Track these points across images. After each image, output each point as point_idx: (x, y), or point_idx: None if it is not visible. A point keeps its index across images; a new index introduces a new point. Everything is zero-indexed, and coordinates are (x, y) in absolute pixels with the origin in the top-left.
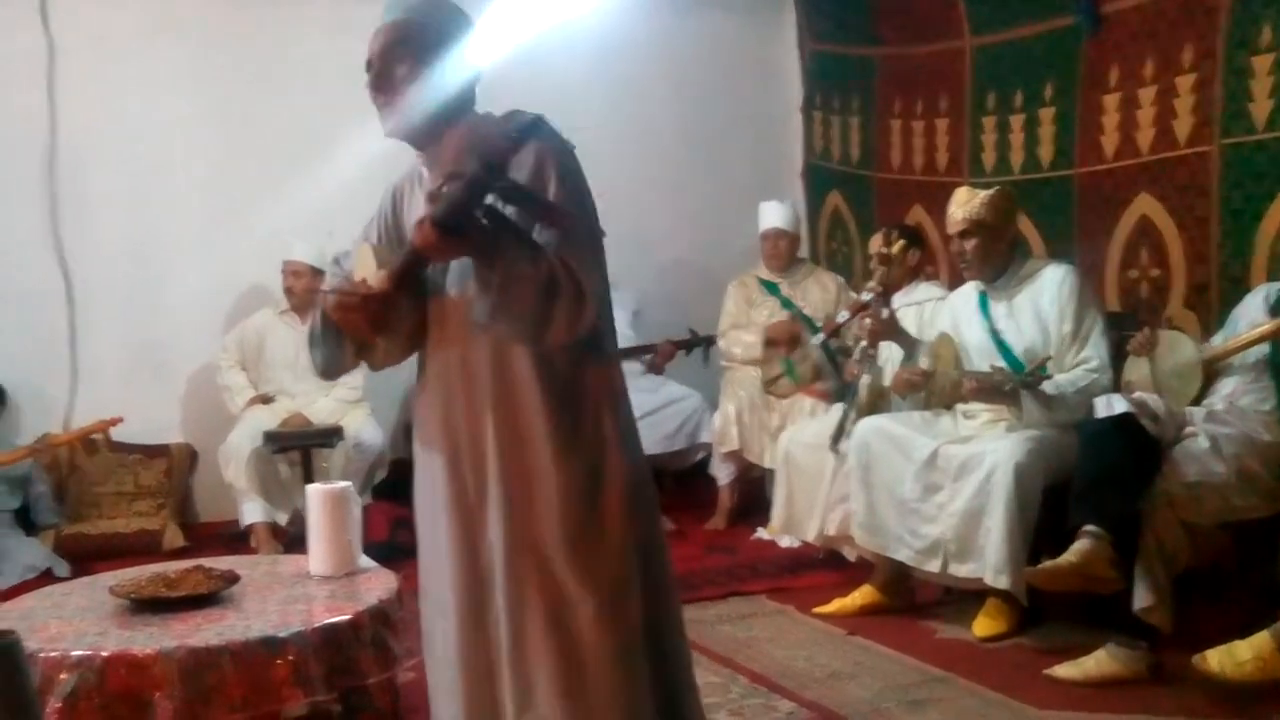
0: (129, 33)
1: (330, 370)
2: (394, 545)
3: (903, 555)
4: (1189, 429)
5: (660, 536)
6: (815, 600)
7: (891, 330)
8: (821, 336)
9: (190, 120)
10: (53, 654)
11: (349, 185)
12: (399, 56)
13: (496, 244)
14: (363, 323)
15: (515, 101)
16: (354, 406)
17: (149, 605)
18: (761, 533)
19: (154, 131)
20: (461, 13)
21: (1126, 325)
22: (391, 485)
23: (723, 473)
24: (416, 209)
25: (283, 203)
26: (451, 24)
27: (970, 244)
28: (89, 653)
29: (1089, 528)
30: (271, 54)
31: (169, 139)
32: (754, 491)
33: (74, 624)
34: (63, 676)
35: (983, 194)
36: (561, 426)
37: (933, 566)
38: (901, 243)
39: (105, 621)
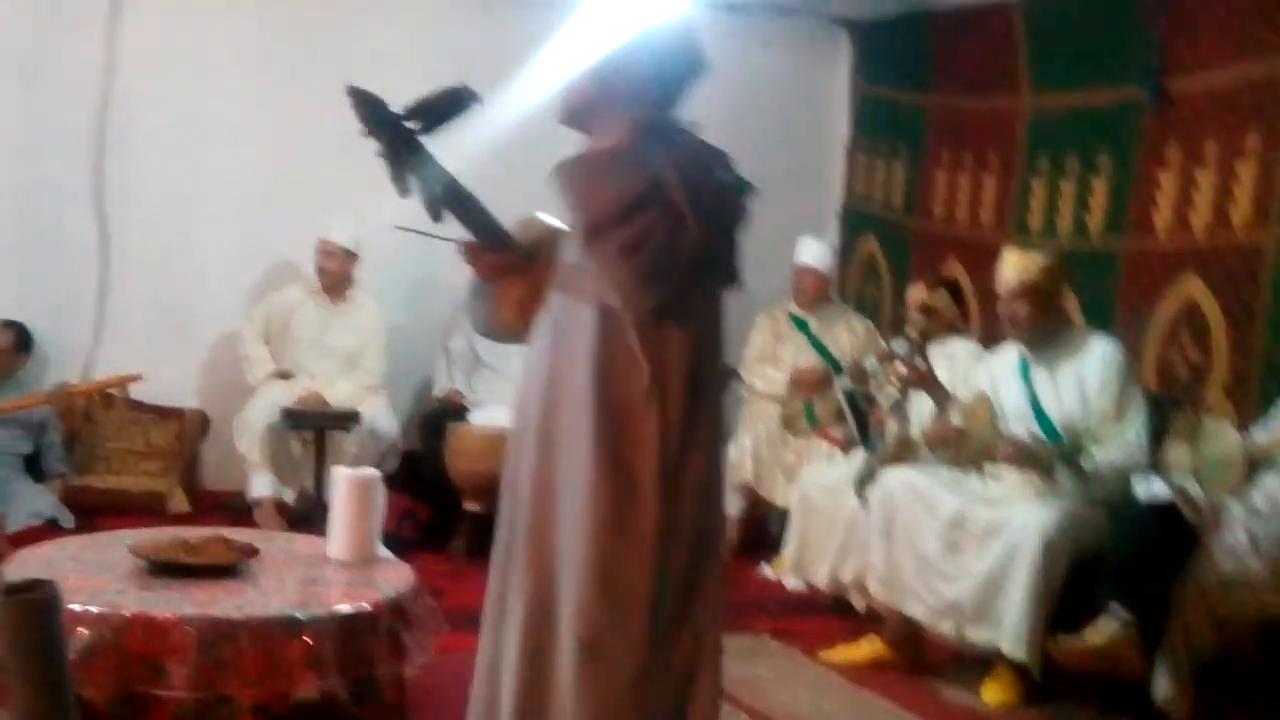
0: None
1: (491, 326)
2: (399, 538)
3: (917, 612)
4: (1227, 520)
5: (701, 616)
6: (821, 646)
7: (927, 381)
8: (848, 382)
9: (246, 90)
10: (73, 608)
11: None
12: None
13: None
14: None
15: (565, 132)
16: (372, 393)
17: (168, 569)
18: (766, 569)
19: (209, 97)
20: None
21: (1163, 406)
22: (402, 477)
23: (733, 505)
24: None
25: (325, 183)
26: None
27: (1023, 309)
28: (110, 610)
29: (1118, 611)
30: (336, 36)
31: (222, 106)
32: (760, 526)
33: (93, 579)
34: (82, 631)
35: (1039, 259)
36: (595, 450)
37: (947, 627)
38: (946, 296)
39: (124, 580)
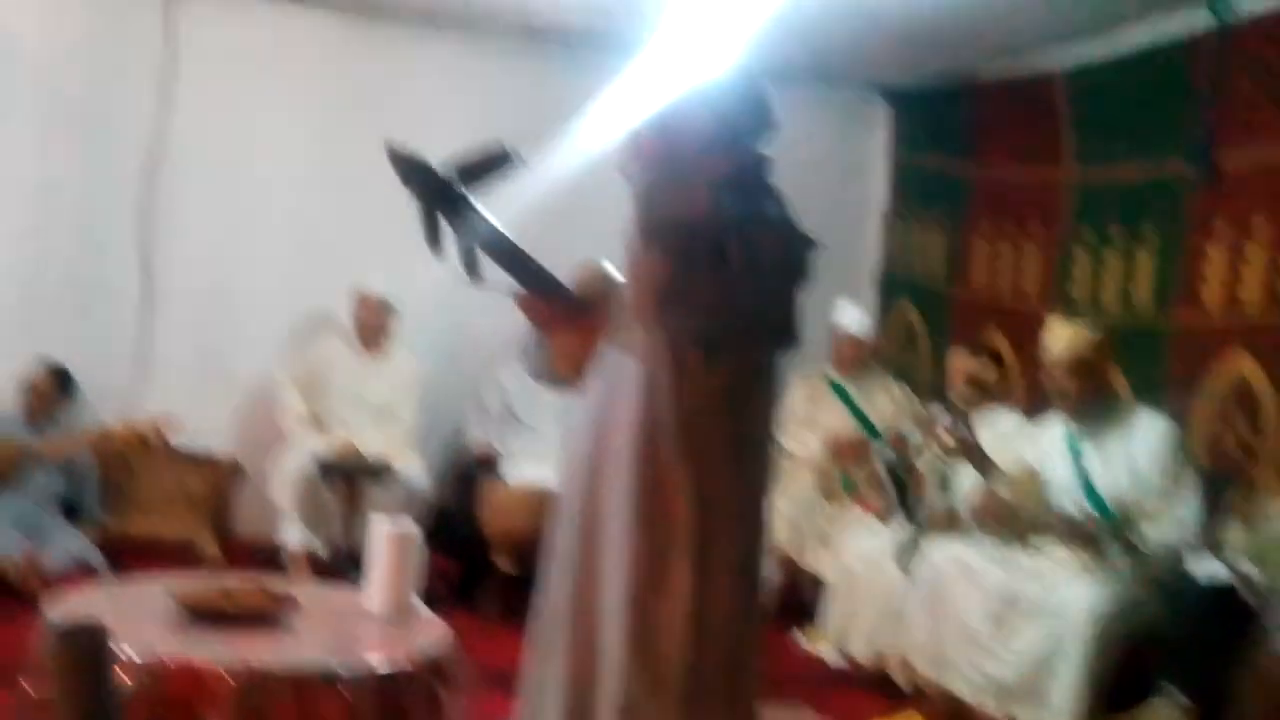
0: (247, 54)
1: (543, 373)
2: (429, 594)
3: (962, 689)
4: None
5: (741, 683)
6: (860, 719)
7: (972, 452)
8: (887, 450)
9: (290, 145)
10: (113, 652)
11: None
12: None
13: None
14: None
15: (604, 192)
16: (404, 446)
17: (208, 616)
18: (801, 639)
19: (256, 151)
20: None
21: (1216, 484)
22: (433, 532)
23: (768, 572)
24: None
25: (364, 236)
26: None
27: (1071, 383)
28: (150, 656)
29: (1175, 694)
30: (380, 93)
31: (268, 160)
32: (796, 595)
33: (133, 624)
34: (122, 676)
35: (1087, 334)
36: (638, 507)
37: (993, 706)
38: (993, 366)
39: (163, 627)
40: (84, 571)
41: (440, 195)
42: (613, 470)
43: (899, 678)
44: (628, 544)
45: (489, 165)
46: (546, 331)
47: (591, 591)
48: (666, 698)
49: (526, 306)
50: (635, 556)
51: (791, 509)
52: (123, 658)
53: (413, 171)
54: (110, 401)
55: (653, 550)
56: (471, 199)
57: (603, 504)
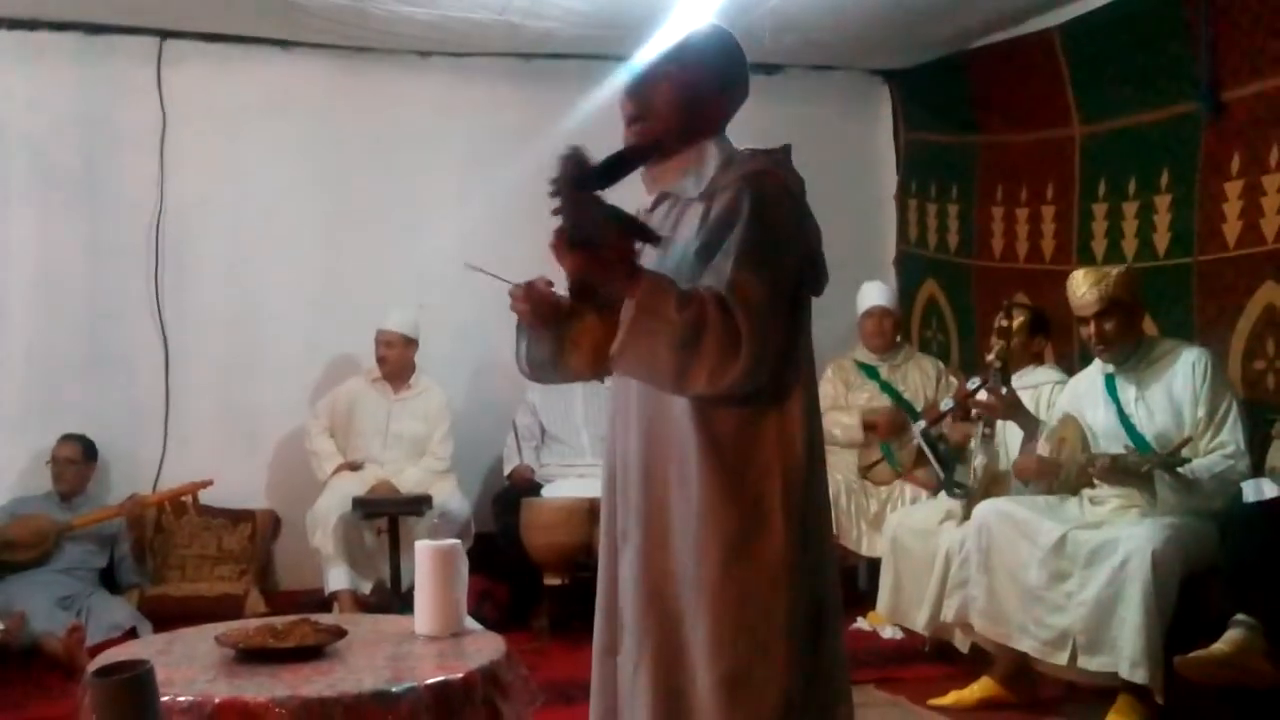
0: (239, 106)
1: (524, 365)
2: (480, 619)
3: (1027, 646)
4: None
5: (837, 636)
6: (927, 692)
7: (1011, 408)
8: (923, 424)
9: (293, 192)
10: (163, 698)
11: (443, 257)
12: (641, 76)
13: (634, 271)
14: (527, 318)
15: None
16: (441, 477)
17: (256, 655)
18: (861, 622)
19: (257, 202)
20: (716, 44)
21: (1257, 413)
22: (476, 557)
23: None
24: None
25: (378, 274)
26: (697, 50)
27: (1109, 325)
28: (200, 698)
29: (1240, 616)
30: (376, 130)
31: (271, 209)
32: (847, 579)
33: (182, 670)
34: None
35: (1113, 273)
36: (710, 478)
37: (1060, 659)
38: (1022, 319)
39: (213, 669)
40: (130, 639)
41: (581, 193)
42: (674, 446)
43: (960, 644)
44: (712, 516)
45: (628, 161)
46: (535, 328)
47: (667, 568)
48: (775, 658)
49: (522, 300)
50: (724, 527)
51: (835, 493)
52: (171, 702)
53: (573, 173)
54: (140, 468)
55: (743, 518)
56: (582, 195)
57: (666, 482)
